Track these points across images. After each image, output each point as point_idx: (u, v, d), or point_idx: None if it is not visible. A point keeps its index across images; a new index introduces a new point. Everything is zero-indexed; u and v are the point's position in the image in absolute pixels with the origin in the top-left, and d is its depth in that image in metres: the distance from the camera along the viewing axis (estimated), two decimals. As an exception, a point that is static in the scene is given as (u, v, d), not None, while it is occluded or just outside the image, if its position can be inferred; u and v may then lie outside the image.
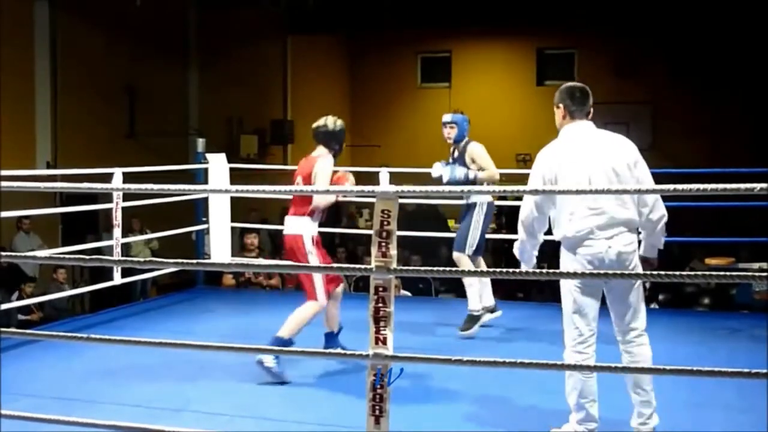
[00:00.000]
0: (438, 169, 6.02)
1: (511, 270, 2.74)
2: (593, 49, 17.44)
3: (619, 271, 3.48)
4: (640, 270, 3.71)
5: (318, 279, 4.95)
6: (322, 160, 5.08)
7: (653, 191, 3.30)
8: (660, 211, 3.73)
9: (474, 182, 5.88)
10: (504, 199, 12.19)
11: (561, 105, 3.91)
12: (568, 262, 3.67)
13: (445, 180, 5.91)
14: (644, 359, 3.73)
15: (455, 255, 5.70)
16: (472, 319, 5.84)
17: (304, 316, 4.94)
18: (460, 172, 5.91)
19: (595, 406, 3.75)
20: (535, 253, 3.85)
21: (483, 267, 6.00)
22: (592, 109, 3.94)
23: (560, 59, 18.37)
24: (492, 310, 6.04)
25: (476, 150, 6.01)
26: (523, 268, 3.80)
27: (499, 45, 18.49)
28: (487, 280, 5.92)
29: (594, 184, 3.63)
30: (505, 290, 10.04)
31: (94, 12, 11.97)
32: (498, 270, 2.77)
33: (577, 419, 3.80)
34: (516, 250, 3.87)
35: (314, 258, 4.96)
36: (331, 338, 5.19)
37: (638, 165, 3.72)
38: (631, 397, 3.75)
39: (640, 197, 3.66)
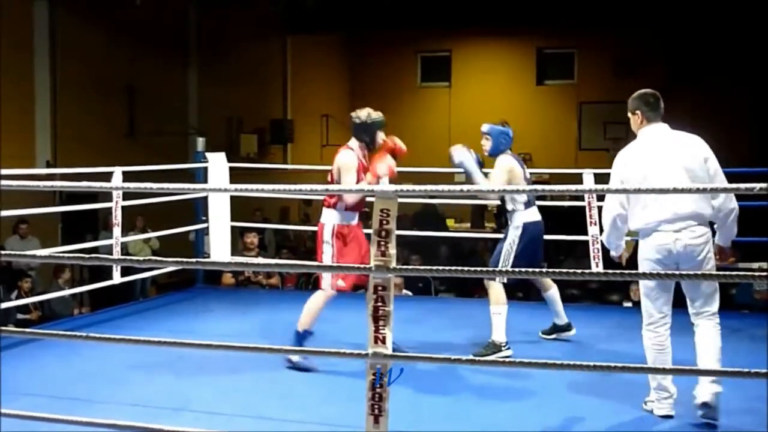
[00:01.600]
0: (458, 149, 5.58)
1: (510, 270, 2.73)
2: (593, 48, 17.44)
3: (618, 272, 3.46)
4: (712, 262, 4.03)
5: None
6: (343, 153, 5.15)
7: (654, 191, 3.34)
8: (730, 204, 4.00)
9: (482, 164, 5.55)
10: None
11: (638, 111, 4.16)
12: (644, 249, 3.99)
13: (454, 160, 5.56)
14: (713, 339, 4.01)
15: (486, 282, 5.35)
16: (492, 348, 5.33)
17: (312, 306, 5.04)
18: (470, 163, 5.48)
19: (668, 378, 4.03)
20: (622, 242, 4.23)
21: (551, 290, 5.73)
22: (662, 112, 4.19)
23: (560, 59, 18.37)
24: (566, 329, 5.84)
25: (497, 162, 5.58)
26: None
27: (499, 44, 18.48)
28: (557, 300, 5.73)
29: (668, 181, 3.87)
30: (504, 290, 10.03)
31: (93, 11, 11.97)
32: (498, 270, 2.76)
33: (653, 387, 4.08)
34: (604, 241, 4.27)
35: (329, 248, 5.02)
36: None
37: (709, 161, 4.00)
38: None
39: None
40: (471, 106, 18.35)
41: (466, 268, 2.85)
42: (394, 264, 2.71)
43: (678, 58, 16.59)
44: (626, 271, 3.18)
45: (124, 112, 13.00)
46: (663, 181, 3.88)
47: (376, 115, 5.27)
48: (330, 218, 5.08)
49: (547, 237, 5.69)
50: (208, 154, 7.75)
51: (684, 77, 16.44)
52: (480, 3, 15.52)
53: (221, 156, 7.80)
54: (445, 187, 2.83)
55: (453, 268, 2.87)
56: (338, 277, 5.01)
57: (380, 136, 5.26)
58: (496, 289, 5.31)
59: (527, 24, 16.63)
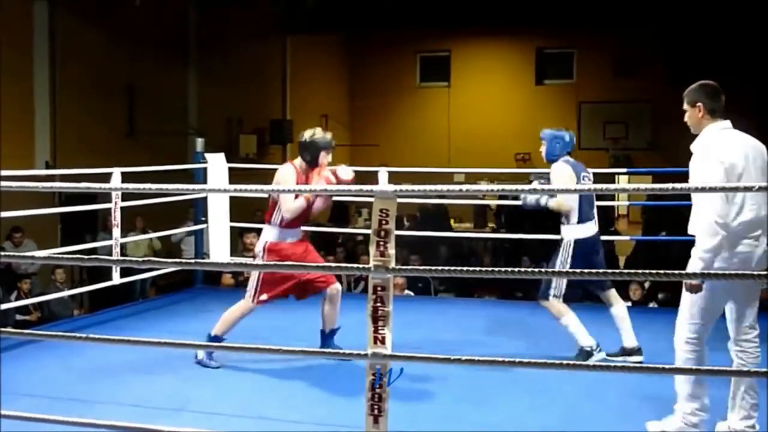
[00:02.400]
0: (528, 192, 5.23)
1: (510, 269, 2.73)
2: (592, 48, 17.45)
3: (618, 270, 3.45)
4: None
5: (253, 280, 5.05)
6: (282, 168, 5.15)
7: (653, 190, 3.28)
8: None
9: (547, 209, 5.19)
10: (504, 198, 12.17)
11: (699, 104, 3.95)
12: (720, 259, 3.66)
13: (522, 203, 5.34)
14: (758, 358, 3.80)
15: (541, 303, 5.16)
16: (584, 355, 5.10)
17: (231, 316, 5.06)
18: (531, 198, 5.23)
19: (707, 397, 3.82)
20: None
21: (616, 306, 5.20)
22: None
23: (559, 59, 18.39)
24: (632, 353, 5.16)
25: (553, 172, 5.26)
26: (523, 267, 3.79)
27: (498, 44, 18.49)
28: (625, 317, 5.19)
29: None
30: (504, 289, 10.04)
31: (93, 12, 11.97)
32: (498, 269, 2.76)
33: (691, 409, 3.81)
34: (707, 256, 3.65)
35: (258, 263, 5.13)
36: (324, 338, 5.24)
37: None
38: (739, 399, 3.77)
39: None
40: (470, 106, 18.37)
41: (465, 268, 2.85)
42: (393, 264, 2.71)
43: (677, 58, 16.58)
44: (626, 271, 3.17)
45: (123, 113, 12.99)
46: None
47: (321, 135, 5.19)
48: (265, 234, 5.11)
49: (547, 237, 5.69)
50: (207, 155, 7.76)
51: (683, 77, 16.36)
52: (479, 3, 15.52)
53: (221, 156, 7.80)
54: (445, 187, 2.83)
55: (453, 268, 2.87)
56: (262, 293, 5.02)
57: (324, 158, 5.17)
58: (553, 305, 5.13)
59: (527, 24, 16.64)
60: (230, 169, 7.84)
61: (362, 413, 2.76)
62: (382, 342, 2.73)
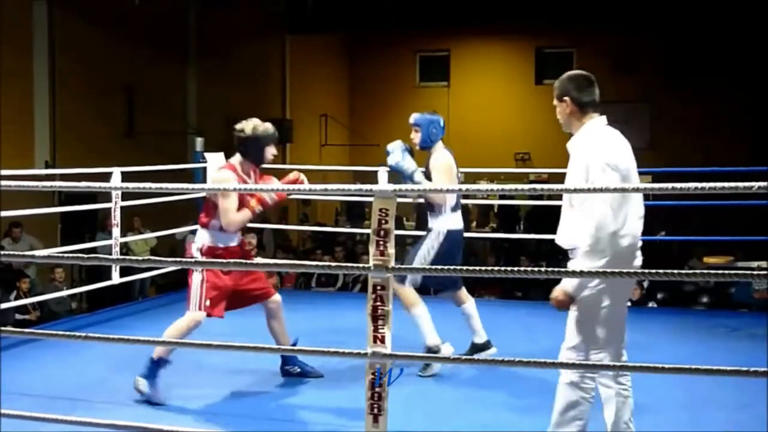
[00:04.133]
0: (394, 148, 5.06)
1: (509, 269, 2.74)
2: (592, 47, 17.45)
3: (624, 270, 3.18)
4: None
5: (195, 289, 4.50)
6: (219, 173, 4.68)
7: (652, 189, 3.25)
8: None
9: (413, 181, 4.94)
10: (504, 198, 12.18)
11: (566, 98, 3.39)
12: (609, 281, 3.21)
13: (390, 162, 5.04)
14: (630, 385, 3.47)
15: (395, 288, 4.60)
16: (431, 353, 4.93)
17: (175, 333, 4.45)
18: (409, 164, 4.96)
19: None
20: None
21: (468, 303, 5.17)
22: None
23: (559, 58, 18.37)
24: (485, 348, 5.13)
25: (435, 163, 5.00)
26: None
27: (497, 44, 18.50)
28: (476, 314, 5.14)
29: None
30: (503, 289, 10.05)
31: (92, 11, 11.96)
32: (497, 269, 2.76)
33: None
34: (575, 280, 3.22)
35: (196, 273, 4.53)
36: (284, 358, 4.90)
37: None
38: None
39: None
40: (470, 106, 18.37)
41: (465, 268, 2.86)
42: (392, 264, 2.71)
43: (676, 57, 16.60)
44: (625, 271, 3.16)
45: (123, 112, 12.98)
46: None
47: (264, 128, 4.70)
48: (201, 238, 4.60)
49: (546, 237, 5.69)
50: (207, 154, 7.75)
51: (683, 76, 16.46)
52: (479, 3, 15.53)
53: (220, 156, 7.80)
54: (444, 187, 2.83)
55: (452, 267, 2.87)
56: (207, 299, 4.49)
57: (269, 152, 4.74)
58: (405, 293, 4.90)
59: (526, 23, 16.64)
60: (230, 168, 7.83)
61: (362, 413, 2.76)
62: (382, 341, 2.73)
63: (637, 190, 3.14)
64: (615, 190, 3.19)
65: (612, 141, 3.34)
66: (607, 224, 3.15)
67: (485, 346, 5.11)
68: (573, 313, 3.30)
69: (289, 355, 4.82)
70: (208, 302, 4.48)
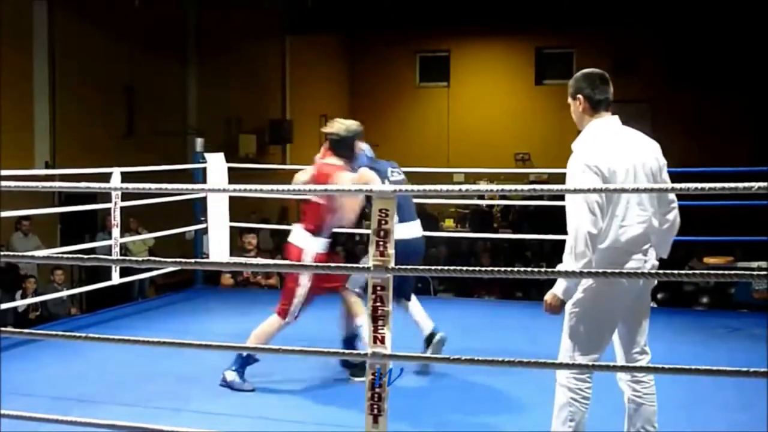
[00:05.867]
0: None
1: (510, 269, 2.73)
2: (592, 48, 17.44)
3: (629, 271, 3.20)
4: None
5: (300, 295, 4.63)
6: (343, 175, 4.67)
7: (651, 190, 3.24)
8: (678, 219, 3.39)
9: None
10: (504, 198, 12.19)
11: (579, 96, 3.33)
12: (598, 282, 3.17)
13: None
14: (654, 394, 3.37)
15: (344, 293, 4.87)
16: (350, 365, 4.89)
17: (268, 332, 4.64)
18: None
19: None
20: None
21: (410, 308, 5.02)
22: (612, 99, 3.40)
23: (559, 59, 18.38)
24: (433, 336, 4.99)
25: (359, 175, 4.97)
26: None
27: (497, 44, 18.50)
28: (420, 309, 5.02)
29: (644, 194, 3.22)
30: (504, 289, 10.05)
31: (92, 12, 11.96)
32: (497, 269, 2.76)
33: None
34: (566, 283, 3.18)
35: (305, 279, 4.64)
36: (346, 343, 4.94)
37: (665, 169, 3.35)
38: None
39: (663, 204, 3.31)
40: (469, 106, 18.37)
41: (465, 268, 2.85)
42: (392, 264, 2.71)
43: (677, 58, 16.60)
44: (625, 271, 3.16)
45: (122, 113, 12.98)
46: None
47: (355, 126, 4.86)
48: (310, 243, 4.66)
49: (546, 237, 5.68)
50: (206, 155, 7.76)
51: (683, 77, 16.46)
52: (479, 3, 15.53)
53: (220, 156, 7.80)
54: (444, 187, 2.83)
55: (452, 267, 2.87)
56: (303, 307, 4.65)
57: (359, 148, 4.90)
58: (353, 300, 4.83)
59: (526, 24, 16.65)
60: (230, 169, 7.84)
61: (362, 413, 2.76)
62: (382, 342, 2.73)
63: (637, 190, 3.14)
64: (603, 190, 3.15)
65: (605, 141, 3.25)
66: (583, 226, 3.10)
67: (433, 335, 4.97)
68: (566, 316, 3.29)
69: (354, 336, 4.81)
70: (299, 311, 4.65)
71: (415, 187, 2.82)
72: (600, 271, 3.12)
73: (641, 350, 3.36)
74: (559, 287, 3.20)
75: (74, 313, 9.06)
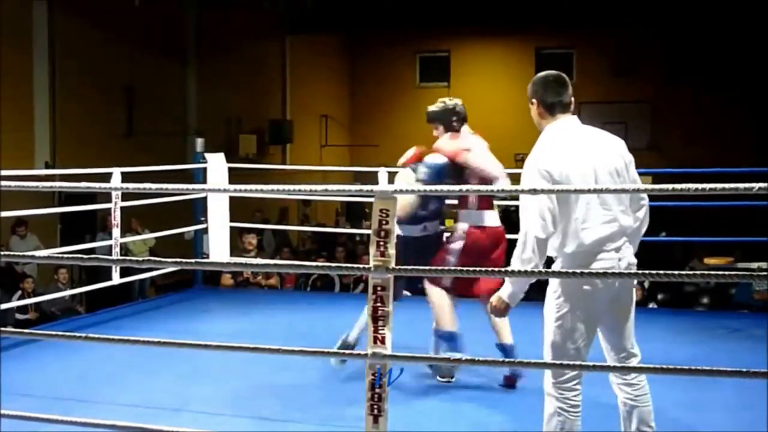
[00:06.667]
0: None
1: (509, 269, 2.74)
2: (592, 48, 17.47)
3: (627, 271, 3.18)
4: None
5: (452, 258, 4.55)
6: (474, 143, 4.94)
7: (651, 190, 3.22)
8: (648, 217, 3.32)
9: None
10: (503, 199, 12.18)
11: (534, 99, 3.33)
12: (569, 286, 3.13)
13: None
14: (647, 394, 3.33)
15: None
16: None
17: (441, 306, 4.69)
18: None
19: None
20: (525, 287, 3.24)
21: None
22: (572, 101, 3.35)
23: (559, 59, 18.34)
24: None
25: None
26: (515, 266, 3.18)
27: (497, 45, 18.51)
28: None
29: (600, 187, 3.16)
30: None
31: (92, 12, 11.96)
32: (497, 269, 2.76)
33: None
34: (511, 287, 3.19)
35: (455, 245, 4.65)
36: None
37: (631, 165, 3.28)
38: None
39: (633, 202, 3.25)
40: (469, 107, 18.20)
41: (465, 268, 2.86)
42: (393, 264, 2.71)
43: (677, 59, 16.60)
44: (625, 271, 3.16)
45: (122, 113, 12.99)
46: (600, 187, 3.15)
47: (451, 102, 5.15)
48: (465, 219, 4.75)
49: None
50: (207, 155, 7.76)
51: (683, 77, 16.46)
52: (479, 3, 15.53)
53: (220, 156, 7.80)
54: (445, 187, 2.83)
55: (452, 268, 2.87)
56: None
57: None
58: None
59: (526, 24, 16.66)
60: (230, 169, 7.84)
61: (362, 413, 2.76)
62: (382, 342, 2.73)
63: (638, 191, 3.13)
64: (608, 190, 3.13)
65: (559, 144, 3.21)
66: (531, 231, 3.08)
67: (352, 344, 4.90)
68: (544, 325, 3.26)
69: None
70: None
71: (416, 187, 2.82)
72: (585, 272, 3.08)
73: (628, 353, 3.30)
74: (506, 291, 3.21)
75: (81, 311, 9.06)
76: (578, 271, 3.08)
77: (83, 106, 11.96)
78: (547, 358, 3.24)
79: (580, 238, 3.13)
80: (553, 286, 3.19)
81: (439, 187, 2.80)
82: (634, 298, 3.32)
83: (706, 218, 9.45)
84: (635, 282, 3.32)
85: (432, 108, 5.01)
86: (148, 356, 5.16)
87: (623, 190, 3.18)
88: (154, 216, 9.51)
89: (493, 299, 3.27)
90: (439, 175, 4.67)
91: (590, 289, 3.12)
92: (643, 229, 3.34)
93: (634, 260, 3.25)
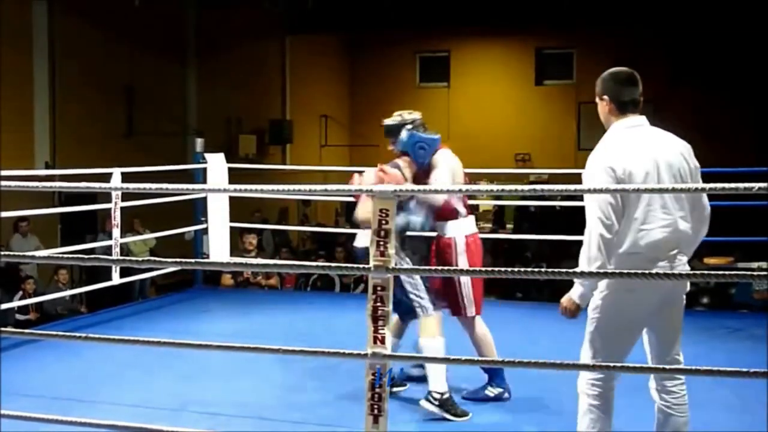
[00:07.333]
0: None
1: (510, 269, 2.73)
2: (592, 48, 17.45)
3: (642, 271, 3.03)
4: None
5: (466, 288, 4.14)
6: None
7: (653, 190, 3.20)
8: (706, 229, 3.30)
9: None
10: (500, 198, 12.17)
11: (606, 96, 3.28)
12: (613, 286, 3.08)
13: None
14: (685, 404, 3.26)
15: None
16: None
17: (489, 342, 4.44)
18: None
19: None
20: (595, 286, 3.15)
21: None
22: (642, 99, 3.28)
23: (559, 59, 18.40)
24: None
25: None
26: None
27: (497, 44, 18.50)
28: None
29: (668, 195, 3.08)
30: (504, 290, 10.04)
31: (92, 12, 11.96)
32: (497, 270, 2.76)
33: None
34: (581, 288, 3.12)
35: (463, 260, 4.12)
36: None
37: (697, 172, 3.22)
38: None
39: (695, 209, 3.20)
40: (470, 107, 18.37)
41: (465, 268, 2.85)
42: (393, 264, 2.71)
43: (678, 58, 16.59)
44: (625, 271, 3.15)
45: (122, 113, 12.99)
46: (668, 196, 3.09)
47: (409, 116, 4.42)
48: (459, 228, 4.20)
49: (546, 237, 5.68)
50: (206, 155, 7.76)
51: (684, 77, 16.45)
52: (479, 3, 15.53)
53: (220, 156, 7.80)
54: (445, 187, 2.83)
55: (452, 268, 2.86)
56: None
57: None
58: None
59: (526, 24, 16.65)
60: (230, 169, 7.84)
61: (362, 413, 2.75)
62: (382, 342, 2.73)
63: (638, 191, 3.12)
64: (607, 190, 3.10)
65: (625, 142, 3.15)
66: (595, 229, 3.04)
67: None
68: (587, 322, 3.22)
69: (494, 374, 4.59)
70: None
71: (416, 187, 2.82)
72: (609, 271, 3.06)
73: (672, 359, 3.24)
74: (576, 292, 3.14)
75: (83, 311, 9.06)
76: (617, 271, 3.03)
77: (83, 106, 11.96)
78: (585, 355, 3.21)
79: (636, 239, 3.08)
80: (601, 286, 3.14)
81: (442, 187, 2.80)
82: (684, 303, 3.26)
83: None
84: (688, 286, 3.24)
85: (388, 121, 4.45)
86: (148, 356, 5.16)
87: (646, 190, 3.08)
88: (154, 216, 9.51)
89: (564, 300, 3.18)
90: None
91: (638, 292, 3.07)
92: (698, 240, 3.28)
93: (687, 268, 3.19)
